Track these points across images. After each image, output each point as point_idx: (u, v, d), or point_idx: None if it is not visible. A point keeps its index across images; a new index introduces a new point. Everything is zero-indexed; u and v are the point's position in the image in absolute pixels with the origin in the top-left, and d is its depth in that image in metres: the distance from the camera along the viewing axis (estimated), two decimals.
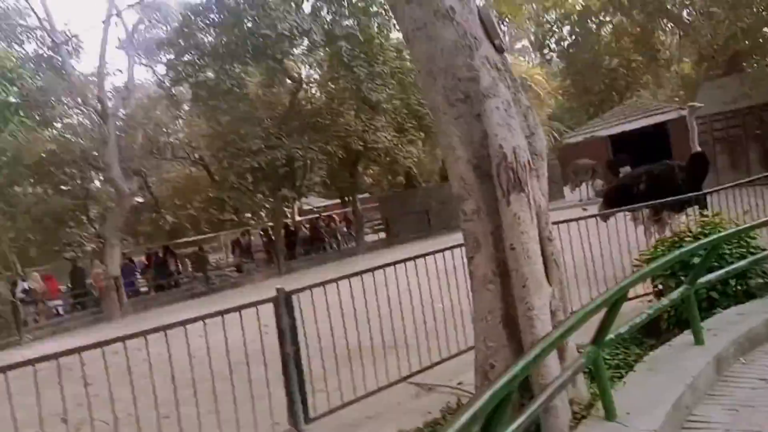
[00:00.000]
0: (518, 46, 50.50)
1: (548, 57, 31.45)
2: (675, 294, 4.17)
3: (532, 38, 30.78)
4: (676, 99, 27.81)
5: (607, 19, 28.92)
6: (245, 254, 24.73)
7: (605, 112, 27.51)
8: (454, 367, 5.38)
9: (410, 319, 5.72)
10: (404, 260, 5.68)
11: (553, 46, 30.43)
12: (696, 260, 4.49)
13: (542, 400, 3.01)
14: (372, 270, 5.44)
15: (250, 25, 19.37)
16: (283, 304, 4.64)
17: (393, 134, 23.30)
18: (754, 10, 12.07)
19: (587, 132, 25.21)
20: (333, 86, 23.19)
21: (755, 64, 13.93)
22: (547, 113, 45.96)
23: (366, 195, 40.33)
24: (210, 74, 21.92)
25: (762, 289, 5.23)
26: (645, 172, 8.39)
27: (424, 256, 5.87)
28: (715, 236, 4.25)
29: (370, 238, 29.70)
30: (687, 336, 4.22)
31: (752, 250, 5.24)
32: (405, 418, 4.67)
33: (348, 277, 5.15)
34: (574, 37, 29.57)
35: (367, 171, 29.39)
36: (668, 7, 21.14)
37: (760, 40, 13.74)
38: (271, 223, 26.88)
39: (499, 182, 4.01)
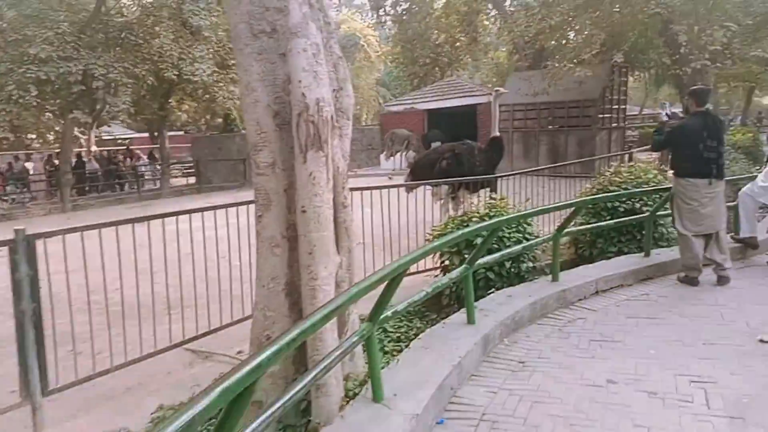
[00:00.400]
0: (356, 1, 50.44)
1: (383, 19, 31.60)
2: (455, 273, 4.25)
3: None
4: (489, 84, 30.05)
5: None
6: (18, 182, 21.23)
7: (427, 86, 28.63)
8: (240, 333, 4.93)
9: (201, 278, 5.14)
10: (202, 209, 5.05)
11: (388, 8, 30.62)
12: (479, 241, 4.63)
13: (313, 375, 2.77)
14: (153, 218, 4.71)
15: None
16: (23, 249, 3.77)
17: (214, 69, 21.54)
18: (563, 10, 13.19)
19: (408, 103, 26.04)
20: (150, 0, 20.61)
21: (556, 63, 15.34)
22: (375, 77, 46.99)
23: (179, 133, 37.36)
24: None
25: (530, 272, 5.68)
26: (448, 149, 8.72)
27: (226, 206, 5.30)
28: (496, 219, 4.39)
29: (179, 181, 27.59)
30: (461, 315, 4.34)
31: (527, 236, 5.64)
32: (171, 390, 4.18)
33: (117, 223, 4.37)
34: (408, 3, 30.07)
35: (181, 106, 27.01)
36: None
37: (563, 41, 15.14)
38: (58, 149, 23.38)
39: (297, 135, 3.64)
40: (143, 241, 4.53)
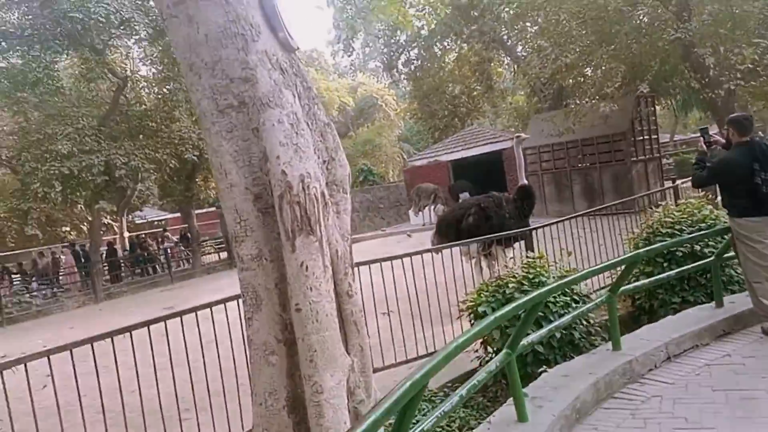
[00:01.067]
0: (371, 65, 51.42)
1: (396, 78, 31.79)
2: (494, 363, 3.48)
3: (384, 59, 30.87)
4: (512, 129, 29.58)
5: (451, 46, 30.06)
6: (41, 277, 21.32)
7: (448, 137, 28.32)
8: None
9: (203, 381, 4.51)
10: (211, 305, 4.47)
11: (401, 67, 30.81)
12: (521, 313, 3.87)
13: None
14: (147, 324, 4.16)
15: (64, 6, 16.74)
16: None
17: None
18: (577, 48, 12.65)
19: (431, 156, 25.65)
20: (166, 87, 21.03)
21: (577, 101, 14.71)
22: (397, 134, 47.23)
23: (212, 209, 37.78)
24: (15, 60, 18.76)
25: (585, 338, 4.85)
26: (473, 204, 8.05)
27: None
28: (536, 293, 3.65)
29: (213, 257, 27.45)
30: (509, 408, 3.53)
31: (575, 297, 4.85)
32: None
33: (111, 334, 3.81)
34: (420, 61, 30.22)
35: (209, 183, 27.17)
36: (504, 38, 22.13)
37: (581, 79, 14.55)
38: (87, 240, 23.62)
39: (281, 220, 3.04)
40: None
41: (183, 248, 25.82)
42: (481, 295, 5.14)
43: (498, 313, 3.34)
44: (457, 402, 3.05)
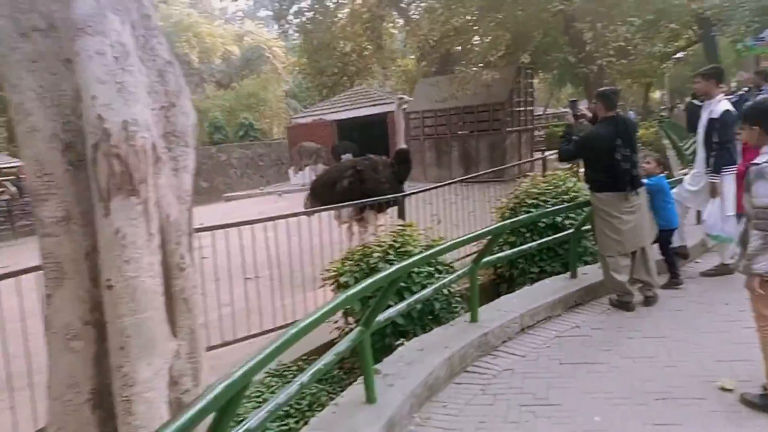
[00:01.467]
0: (262, 14, 48.53)
1: (285, 29, 30.35)
2: (346, 341, 3.23)
3: (275, 7, 29.18)
4: (400, 92, 29.56)
5: (344, 1, 29.15)
6: None
7: (335, 96, 27.72)
8: None
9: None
10: None
11: (291, 18, 29.39)
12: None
13: None
14: None
15: None
16: None
17: None
18: (467, 12, 12.63)
19: (316, 114, 25.00)
20: None
21: (463, 68, 14.82)
22: (284, 90, 45.52)
23: None
24: None
25: (445, 309, 4.79)
26: (350, 167, 7.76)
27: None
28: (396, 268, 3.43)
29: None
30: (359, 388, 3.33)
31: (439, 268, 4.76)
32: None
33: None
34: (312, 13, 29.00)
35: None
36: None
37: (468, 45, 14.63)
38: None
39: (95, 177, 2.51)
40: None
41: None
42: (345, 264, 4.89)
43: (352, 291, 3.07)
44: (309, 379, 2.77)
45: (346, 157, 21.02)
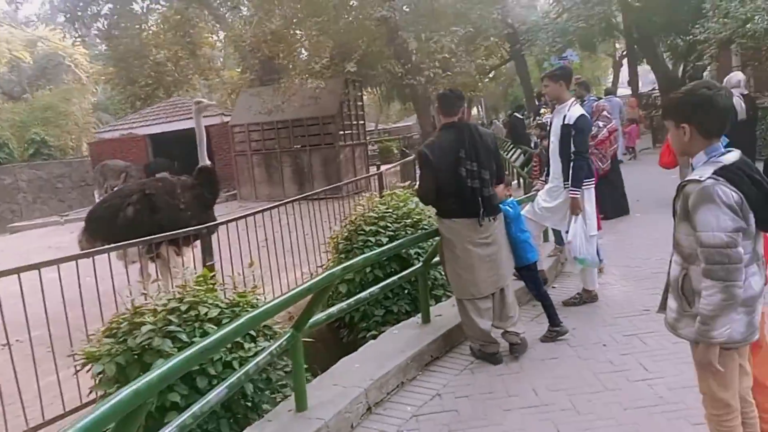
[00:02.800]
0: (61, 19, 42.23)
1: (83, 34, 26.48)
2: None
3: (68, 9, 25.11)
4: (227, 104, 27.35)
5: (154, 6, 26.29)
6: None
7: (147, 108, 24.74)
8: None
9: None
10: None
11: (87, 21, 25.64)
12: None
13: None
14: None
15: None
16: None
17: None
18: (284, 14, 11.30)
19: (124, 128, 21.91)
20: None
21: (286, 77, 13.51)
22: (92, 102, 40.25)
23: None
24: None
25: (262, 392, 3.37)
26: (135, 191, 5.95)
27: None
28: (162, 370, 1.95)
29: None
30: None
31: (247, 338, 3.32)
32: None
33: None
34: (116, 17, 25.60)
35: None
36: None
37: (292, 53, 13.31)
38: None
39: None
40: None
41: None
42: (103, 343, 3.23)
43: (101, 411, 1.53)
44: None
45: (162, 176, 18.49)
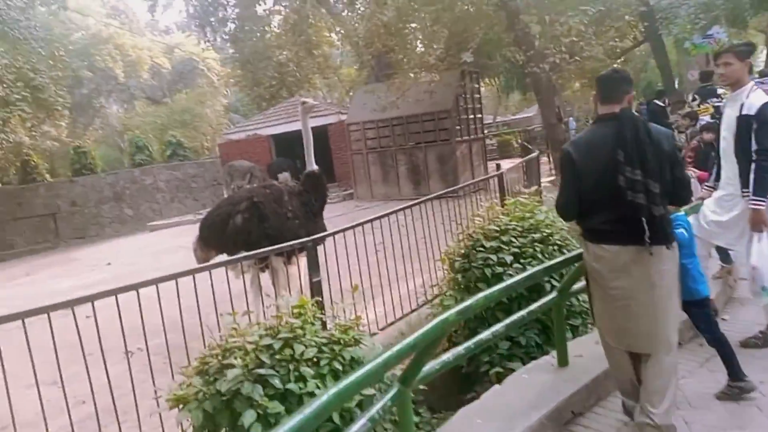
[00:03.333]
0: (195, 24, 45.41)
1: (210, 39, 27.99)
2: None
3: (197, 14, 26.70)
4: (345, 102, 27.67)
5: (277, 7, 27.14)
6: None
7: (270, 109, 25.60)
8: None
9: None
10: None
11: (216, 26, 27.06)
12: None
13: None
14: None
15: None
16: None
17: None
18: (395, 5, 10.77)
19: (249, 129, 22.76)
20: None
21: (400, 72, 13.01)
22: (224, 104, 42.87)
23: None
24: None
25: None
26: (244, 198, 5.71)
27: None
28: None
29: None
30: None
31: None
32: None
33: None
34: (240, 21, 26.77)
35: None
36: None
37: (406, 46, 12.78)
38: None
39: None
40: None
41: None
42: (191, 387, 2.87)
43: None
44: None
45: (283, 176, 18.91)
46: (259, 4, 26.81)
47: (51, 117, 21.39)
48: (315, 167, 5.78)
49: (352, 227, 5.29)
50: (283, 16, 26.71)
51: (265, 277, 5.96)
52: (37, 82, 19.12)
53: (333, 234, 5.09)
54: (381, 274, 5.47)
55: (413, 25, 11.75)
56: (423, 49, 11.98)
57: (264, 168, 19.59)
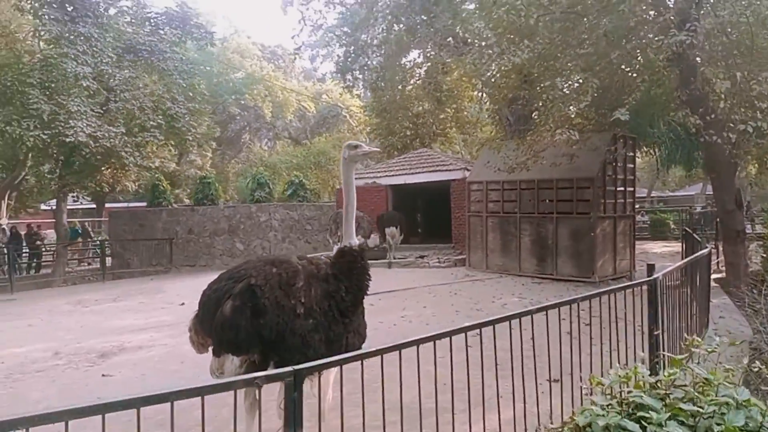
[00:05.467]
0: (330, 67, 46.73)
1: (350, 84, 27.73)
2: None
3: (339, 59, 26.67)
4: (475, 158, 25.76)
5: (420, 60, 26.30)
6: None
7: (393, 158, 24.44)
8: None
9: None
10: None
11: (357, 73, 26.76)
12: None
13: None
14: None
15: None
16: None
17: (116, 129, 17.32)
18: (533, 45, 8.62)
19: (369, 177, 21.62)
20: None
21: (537, 125, 10.79)
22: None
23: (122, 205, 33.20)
24: None
25: None
26: (242, 276, 3.84)
27: None
28: None
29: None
30: None
31: None
32: None
33: None
34: (383, 70, 26.23)
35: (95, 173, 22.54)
36: (462, 37, 17.71)
37: (545, 96, 10.46)
38: None
39: None
40: None
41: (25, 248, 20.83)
42: None
43: None
44: None
45: (390, 231, 17.30)
46: (405, 56, 26.16)
47: (183, 143, 21.98)
48: (354, 241, 3.80)
49: (415, 343, 3.14)
50: (424, 69, 25.80)
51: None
52: (173, 111, 19.62)
53: (365, 356, 2.97)
54: (455, 389, 3.25)
55: (556, 66, 9.51)
56: (564, 101, 9.64)
57: (374, 219, 18.18)
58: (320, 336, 3.66)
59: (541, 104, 11.52)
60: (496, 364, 3.42)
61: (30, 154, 18.24)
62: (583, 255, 13.22)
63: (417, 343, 3.04)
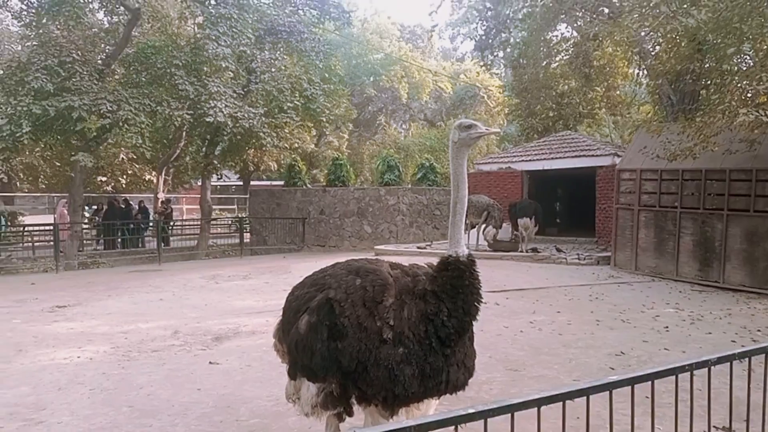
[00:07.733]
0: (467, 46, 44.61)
1: (489, 61, 26.21)
2: None
3: (477, 35, 25.28)
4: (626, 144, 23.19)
5: (568, 34, 24.10)
6: None
7: (531, 142, 22.70)
8: None
9: None
10: None
11: (497, 50, 25.21)
12: None
13: None
14: None
15: None
16: None
17: (255, 110, 17.82)
18: (710, 3, 6.85)
19: (504, 161, 20.25)
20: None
21: (710, 104, 8.93)
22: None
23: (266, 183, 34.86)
24: None
25: None
26: (324, 287, 3.09)
27: None
28: None
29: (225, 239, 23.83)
30: None
31: None
32: None
33: None
34: (525, 46, 24.42)
35: (240, 152, 23.61)
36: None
37: (723, 70, 8.55)
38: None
39: None
40: None
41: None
42: None
43: None
44: None
45: (523, 222, 15.90)
46: (551, 30, 24.11)
47: (319, 126, 22.24)
48: (462, 250, 2.91)
49: (536, 404, 2.26)
50: (572, 43, 23.55)
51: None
52: (309, 93, 19.80)
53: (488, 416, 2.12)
54: None
55: (743, 29, 7.62)
56: (750, 75, 7.73)
57: (505, 208, 16.87)
58: (412, 370, 2.84)
59: (717, 78, 9.50)
60: None
61: (181, 134, 19.45)
62: (761, 261, 10.98)
63: (538, 403, 2.08)
